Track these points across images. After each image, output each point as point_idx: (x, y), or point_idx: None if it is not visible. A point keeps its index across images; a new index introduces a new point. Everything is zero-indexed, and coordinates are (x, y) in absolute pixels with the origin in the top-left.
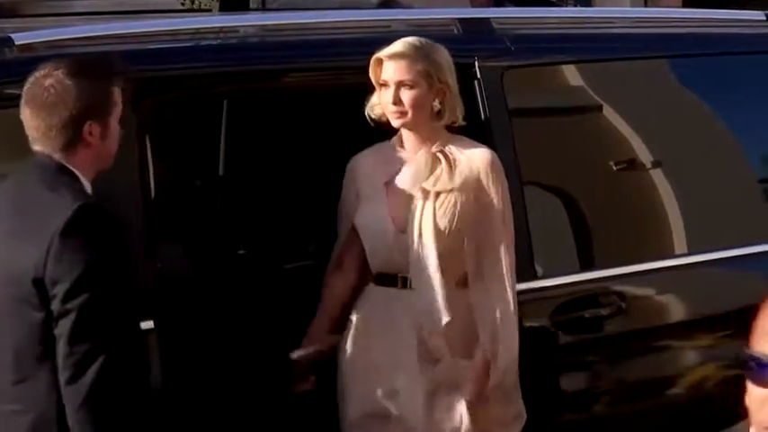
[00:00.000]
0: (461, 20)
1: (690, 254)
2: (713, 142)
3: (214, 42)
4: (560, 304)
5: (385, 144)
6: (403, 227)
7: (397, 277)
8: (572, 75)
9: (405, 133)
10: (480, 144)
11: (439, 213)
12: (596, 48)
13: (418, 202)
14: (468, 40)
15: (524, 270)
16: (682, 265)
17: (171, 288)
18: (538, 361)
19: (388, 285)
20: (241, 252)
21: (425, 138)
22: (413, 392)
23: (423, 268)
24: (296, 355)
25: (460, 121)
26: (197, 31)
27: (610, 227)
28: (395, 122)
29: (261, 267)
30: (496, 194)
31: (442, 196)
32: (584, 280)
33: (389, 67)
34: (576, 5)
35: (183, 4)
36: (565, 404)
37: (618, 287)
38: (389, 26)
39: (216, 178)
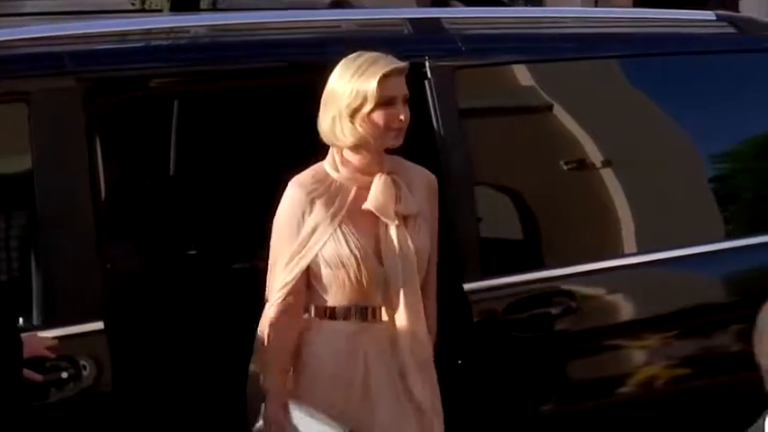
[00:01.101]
0: (412, 20)
1: (640, 253)
2: (663, 142)
3: (165, 43)
4: (510, 303)
5: (322, 168)
6: (379, 255)
7: (367, 309)
8: (523, 75)
9: (358, 155)
10: (417, 165)
11: (415, 237)
12: (547, 48)
13: (392, 228)
14: (419, 40)
15: (474, 269)
16: (632, 265)
17: (121, 288)
18: (487, 360)
19: (357, 319)
20: (192, 252)
21: (380, 159)
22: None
23: (407, 295)
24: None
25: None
26: (147, 32)
27: (560, 226)
28: (394, 142)
29: (211, 267)
30: (436, 214)
31: (411, 220)
32: (533, 279)
33: (398, 82)
34: (526, 5)
35: (133, 5)
36: (515, 402)
37: (568, 286)
38: (340, 26)
39: (166, 178)
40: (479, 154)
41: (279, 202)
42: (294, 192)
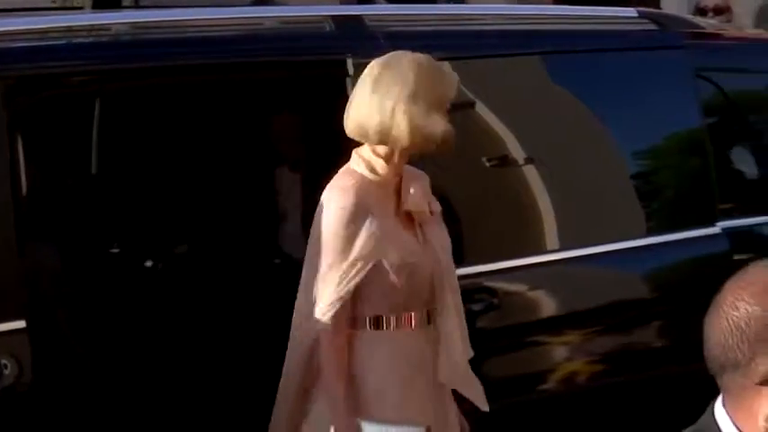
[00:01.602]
0: (334, 17)
1: (562, 250)
2: (585, 138)
3: (86, 40)
4: None
5: (355, 172)
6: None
7: (424, 312)
8: None
9: (397, 156)
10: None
11: (446, 234)
12: (469, 45)
13: (428, 227)
14: (341, 37)
15: None
16: (554, 261)
17: (42, 287)
18: None
19: (415, 323)
20: (114, 251)
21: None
22: None
23: (453, 293)
24: None
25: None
26: (68, 29)
27: (482, 223)
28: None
29: (133, 266)
30: None
31: (437, 216)
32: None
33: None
34: (449, 2)
35: (54, 2)
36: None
37: (490, 283)
38: (263, 23)
39: (88, 177)
40: None
41: (199, 198)
42: (343, 200)
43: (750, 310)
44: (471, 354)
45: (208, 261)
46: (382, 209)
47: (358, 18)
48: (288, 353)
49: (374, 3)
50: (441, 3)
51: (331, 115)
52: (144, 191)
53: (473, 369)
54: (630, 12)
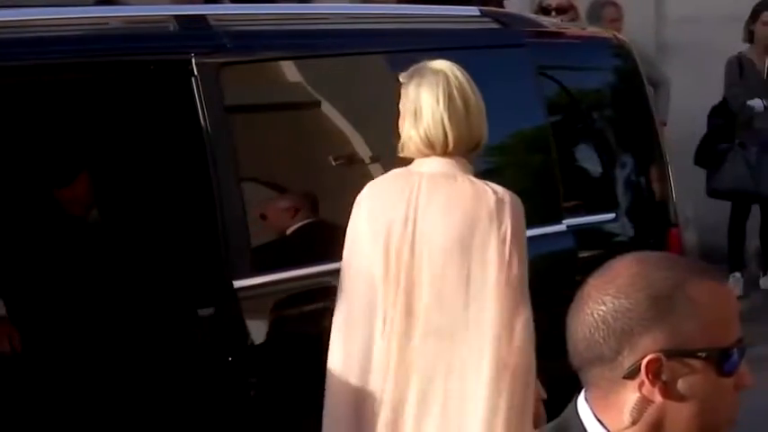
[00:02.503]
0: (178, 17)
1: None
2: None
3: None
4: (279, 300)
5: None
6: None
7: None
8: (290, 71)
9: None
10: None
11: None
12: (313, 44)
13: None
14: (185, 37)
15: (243, 266)
16: None
17: None
18: (256, 357)
19: None
20: None
21: None
22: None
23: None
24: None
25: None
26: None
27: (329, 221)
28: None
29: None
30: None
31: None
32: (303, 275)
33: None
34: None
35: None
36: (289, 398)
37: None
38: (107, 23)
39: None
40: (246, 150)
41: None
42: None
43: (616, 303)
44: None
45: None
46: None
47: (201, 18)
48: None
49: (217, 2)
50: (284, 1)
51: (175, 114)
52: None
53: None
54: (473, 10)
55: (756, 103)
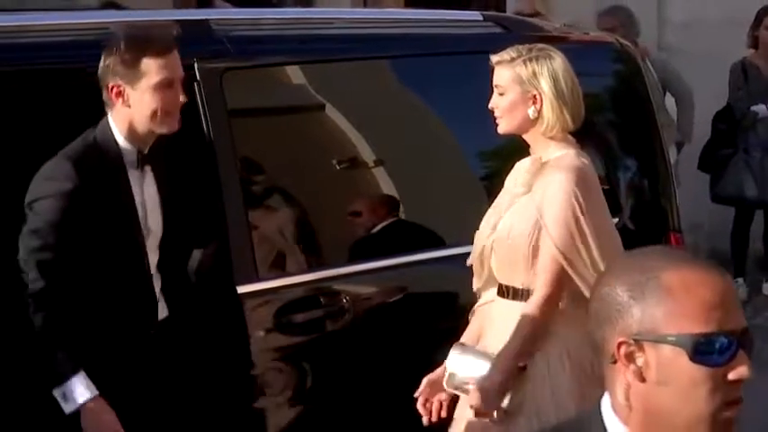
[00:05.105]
0: (180, 21)
1: (412, 252)
2: (433, 142)
3: None
4: (283, 305)
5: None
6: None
7: (511, 289)
8: (293, 75)
9: (526, 142)
10: (575, 157)
11: (508, 220)
12: (316, 48)
13: (506, 210)
14: (187, 42)
15: (247, 272)
16: (404, 264)
17: None
18: (263, 364)
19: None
20: None
21: (538, 147)
22: None
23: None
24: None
25: (562, 128)
26: None
27: (332, 227)
28: (498, 128)
29: None
30: (554, 207)
31: (516, 202)
32: (307, 281)
33: (494, 73)
34: (296, 6)
35: None
36: (292, 404)
37: (341, 286)
38: (108, 28)
39: None
40: (249, 155)
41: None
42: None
43: (602, 292)
44: None
45: None
46: None
47: (204, 23)
48: None
49: (217, 7)
50: (287, 6)
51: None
52: None
53: (324, 373)
54: (475, 15)
55: (760, 108)
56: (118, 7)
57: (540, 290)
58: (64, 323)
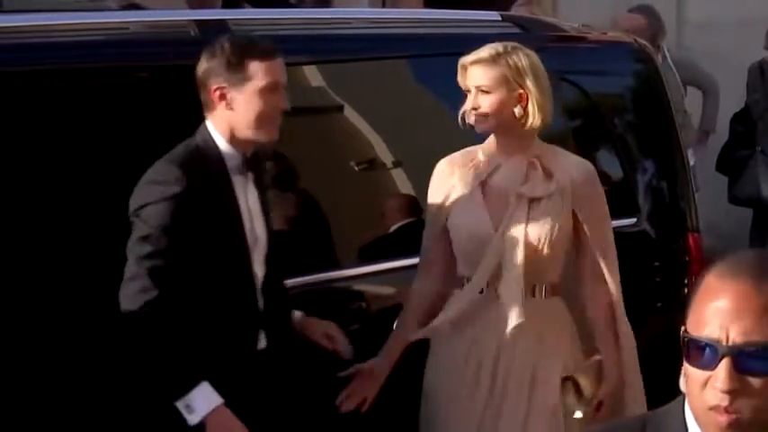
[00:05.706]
0: (198, 22)
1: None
2: (451, 141)
3: None
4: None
5: (474, 149)
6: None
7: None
8: (312, 75)
9: (497, 139)
10: (575, 155)
11: (532, 221)
12: (335, 48)
13: (512, 207)
14: (206, 42)
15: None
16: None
17: None
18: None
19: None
20: None
21: (516, 144)
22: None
23: (509, 275)
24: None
25: (542, 123)
26: None
27: (350, 227)
28: (477, 128)
29: None
30: (595, 205)
31: (536, 203)
32: (324, 279)
33: (470, 73)
34: (315, 6)
35: None
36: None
37: (358, 287)
38: (128, 28)
39: None
40: (268, 154)
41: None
42: (440, 163)
43: None
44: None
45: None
46: (471, 178)
47: (222, 22)
48: None
49: (240, 7)
50: (306, 6)
51: (196, 120)
52: None
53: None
54: (494, 15)
55: None
56: (139, 7)
57: (611, 279)
58: (182, 332)
